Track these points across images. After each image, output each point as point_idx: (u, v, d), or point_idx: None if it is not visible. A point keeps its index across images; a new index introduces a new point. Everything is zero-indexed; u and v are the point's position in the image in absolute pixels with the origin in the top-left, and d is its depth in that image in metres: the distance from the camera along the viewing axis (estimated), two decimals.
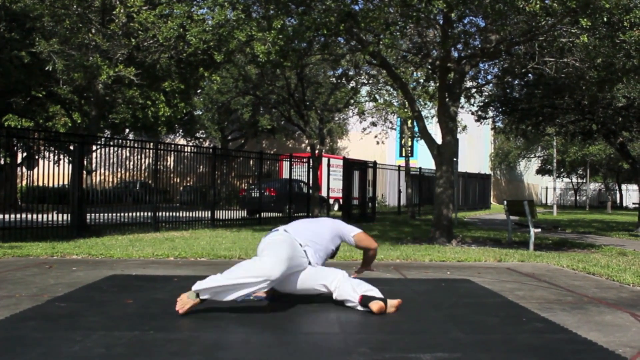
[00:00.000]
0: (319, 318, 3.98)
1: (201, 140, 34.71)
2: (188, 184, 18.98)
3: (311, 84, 16.65)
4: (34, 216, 10.49)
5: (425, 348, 3.26)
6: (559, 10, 8.26)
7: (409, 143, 23.72)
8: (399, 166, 24.58)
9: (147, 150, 13.30)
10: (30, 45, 12.43)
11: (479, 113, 15.86)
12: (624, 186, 53.51)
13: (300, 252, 4.25)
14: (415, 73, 16.85)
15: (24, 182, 23.76)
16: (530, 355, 3.16)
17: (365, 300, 4.12)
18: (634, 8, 8.00)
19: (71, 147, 11.76)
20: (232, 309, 4.17)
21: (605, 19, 8.05)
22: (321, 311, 4.19)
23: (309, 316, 4.03)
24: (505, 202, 11.72)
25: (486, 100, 15.94)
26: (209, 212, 14.76)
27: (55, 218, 10.91)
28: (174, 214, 14.29)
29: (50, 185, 12.06)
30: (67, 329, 3.52)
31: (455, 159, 16.80)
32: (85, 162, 12.10)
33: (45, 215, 10.70)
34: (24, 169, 25.10)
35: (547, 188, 56.03)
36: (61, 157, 17.16)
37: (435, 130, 20.16)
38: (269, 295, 4.46)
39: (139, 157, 13.24)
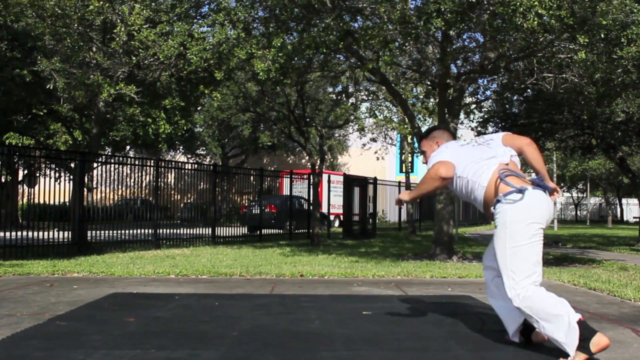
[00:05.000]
0: (322, 336, 3.97)
1: (202, 157, 34.79)
2: (189, 201, 18.98)
3: (311, 100, 16.71)
4: (35, 234, 10.49)
5: None
6: (557, 27, 8.32)
7: (409, 159, 23.75)
8: (400, 182, 24.60)
9: (148, 168, 13.33)
10: (31, 64, 12.50)
11: (479, 129, 15.91)
12: (624, 200, 53.46)
13: None
14: (414, 89, 16.92)
15: (25, 200, 23.79)
16: None
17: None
18: (631, 24, 8.06)
19: (72, 165, 11.79)
20: (234, 326, 4.18)
21: (602, 36, 8.11)
22: (325, 329, 4.18)
23: (312, 334, 4.02)
24: None
25: (486, 116, 16.00)
26: (210, 229, 14.76)
27: (56, 236, 10.91)
28: (175, 231, 14.29)
29: (51, 202, 12.08)
30: (68, 348, 3.52)
31: None
32: (86, 180, 12.12)
33: (46, 233, 10.70)
34: (25, 187, 25.14)
35: None
36: (62, 174, 17.20)
37: None
38: None
39: (139, 174, 13.27)
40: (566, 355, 3.24)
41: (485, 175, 3.58)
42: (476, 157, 3.69)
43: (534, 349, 3.61)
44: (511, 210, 3.41)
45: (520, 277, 3.35)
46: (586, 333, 3.20)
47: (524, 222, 3.38)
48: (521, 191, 3.42)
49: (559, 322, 3.24)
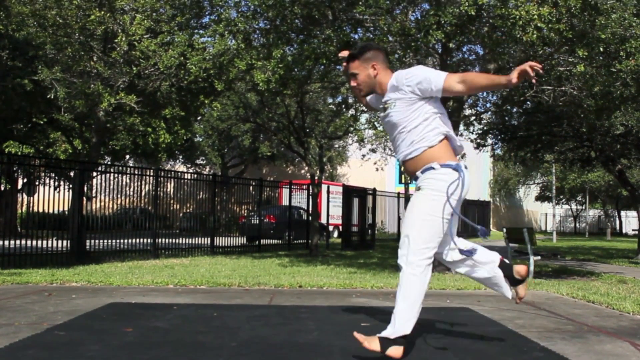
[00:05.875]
0: (320, 348, 3.96)
1: (201, 166, 34.81)
2: (188, 211, 18.98)
3: (311, 111, 16.75)
4: (34, 242, 10.48)
5: None
6: (556, 40, 8.37)
7: None
8: (399, 193, 24.62)
9: (147, 177, 13.33)
10: (32, 73, 12.55)
11: (478, 140, 15.94)
12: (623, 213, 53.49)
13: None
14: None
15: (24, 208, 23.76)
16: None
17: None
18: (630, 38, 8.10)
19: (71, 174, 11.80)
20: (232, 337, 4.17)
21: (601, 49, 8.16)
22: (323, 340, 4.18)
23: (310, 346, 4.02)
24: (504, 229, 11.71)
25: (485, 128, 16.03)
26: (209, 239, 14.75)
27: (54, 244, 10.90)
28: (174, 240, 14.28)
29: (50, 211, 12.07)
30: (66, 358, 3.52)
31: None
32: (85, 189, 12.12)
33: (45, 242, 10.68)
34: (24, 195, 25.11)
35: (546, 215, 55.99)
36: (61, 183, 17.19)
37: None
38: None
39: (139, 183, 13.28)
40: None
41: (436, 137, 3.51)
42: (441, 109, 3.59)
43: None
44: (444, 182, 3.42)
45: (426, 247, 3.42)
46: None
47: (451, 197, 3.41)
48: (457, 169, 3.45)
49: (412, 312, 3.37)
